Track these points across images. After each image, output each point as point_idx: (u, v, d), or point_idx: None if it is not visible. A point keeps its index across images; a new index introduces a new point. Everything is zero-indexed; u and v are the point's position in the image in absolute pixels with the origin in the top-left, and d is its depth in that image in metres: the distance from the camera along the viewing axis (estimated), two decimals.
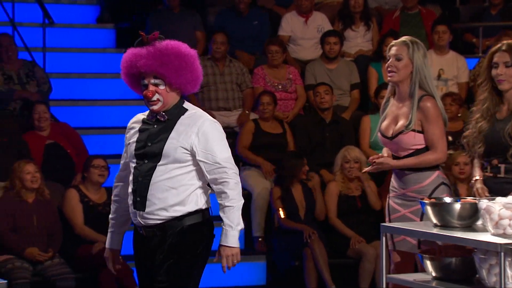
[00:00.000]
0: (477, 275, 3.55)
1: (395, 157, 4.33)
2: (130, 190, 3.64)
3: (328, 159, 6.87)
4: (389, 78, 4.35)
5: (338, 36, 7.53)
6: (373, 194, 6.48)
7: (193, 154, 3.60)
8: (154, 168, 3.58)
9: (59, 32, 7.89)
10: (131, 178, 3.64)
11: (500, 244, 3.33)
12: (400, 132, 4.27)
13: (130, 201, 3.64)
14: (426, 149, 4.27)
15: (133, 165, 3.64)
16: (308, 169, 6.46)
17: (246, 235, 6.77)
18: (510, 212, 3.45)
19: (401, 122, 4.30)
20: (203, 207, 3.63)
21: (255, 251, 6.62)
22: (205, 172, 3.61)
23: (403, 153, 4.28)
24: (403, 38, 4.36)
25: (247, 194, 6.80)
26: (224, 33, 7.37)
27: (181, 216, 3.59)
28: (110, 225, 3.79)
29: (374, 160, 4.33)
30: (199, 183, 3.62)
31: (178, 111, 3.65)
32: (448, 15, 8.51)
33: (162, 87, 3.60)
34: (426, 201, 3.73)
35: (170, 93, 3.62)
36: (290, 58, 7.73)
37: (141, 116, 3.73)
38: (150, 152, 3.61)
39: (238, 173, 3.66)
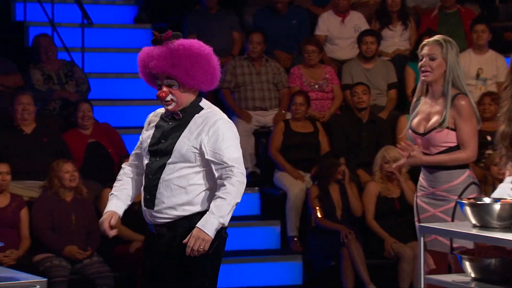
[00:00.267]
0: None
1: (425, 154, 4.31)
2: (142, 187, 3.64)
3: (364, 159, 6.85)
4: (423, 77, 4.34)
5: (375, 36, 7.50)
6: (412, 193, 6.44)
7: (202, 154, 3.56)
8: (164, 166, 3.56)
9: (98, 32, 7.96)
10: (144, 175, 3.64)
11: None
12: (433, 129, 4.26)
13: (141, 198, 3.63)
14: (458, 147, 4.25)
15: (146, 161, 3.62)
16: (344, 169, 6.45)
17: (282, 235, 6.77)
18: None
19: (434, 119, 4.29)
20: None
21: (291, 250, 6.63)
22: (214, 171, 3.58)
23: (434, 150, 4.27)
24: (436, 37, 4.34)
25: (282, 194, 6.81)
26: (260, 33, 7.38)
27: (190, 215, 3.55)
28: (112, 191, 3.70)
29: (406, 150, 4.29)
30: (209, 184, 3.58)
31: (193, 110, 3.61)
32: (487, 13, 8.43)
33: (175, 88, 3.56)
34: (464, 201, 3.70)
35: (184, 93, 3.58)
36: (326, 58, 7.71)
37: (160, 111, 3.71)
38: (162, 150, 3.58)
39: (245, 174, 3.60)
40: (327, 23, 7.85)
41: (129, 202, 3.70)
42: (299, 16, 7.88)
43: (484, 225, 3.61)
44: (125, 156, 6.16)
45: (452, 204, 4.25)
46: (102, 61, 7.85)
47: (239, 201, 3.59)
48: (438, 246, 4.26)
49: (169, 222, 3.56)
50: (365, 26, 7.80)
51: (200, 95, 3.68)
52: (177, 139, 3.56)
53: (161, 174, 3.54)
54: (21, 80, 6.99)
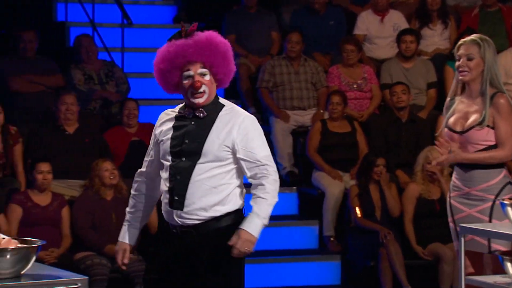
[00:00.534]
0: None
1: None
2: (165, 188, 3.52)
3: (404, 159, 6.80)
4: (460, 77, 4.32)
5: (414, 35, 7.45)
6: None
7: (234, 152, 3.51)
8: (193, 166, 3.47)
9: (137, 32, 8.01)
10: (165, 176, 3.52)
11: None
12: (473, 127, 4.23)
13: (165, 200, 3.53)
14: (496, 146, 4.22)
15: (168, 163, 3.52)
16: (380, 170, 6.40)
17: (320, 234, 6.76)
18: None
19: (473, 118, 4.26)
20: (241, 207, 3.58)
21: (329, 250, 6.61)
22: (245, 169, 3.51)
23: (472, 149, 4.24)
24: (472, 37, 4.31)
25: (320, 194, 6.80)
26: (299, 33, 7.37)
27: (220, 216, 3.51)
28: (127, 218, 3.65)
29: (444, 146, 4.24)
30: (238, 182, 3.55)
31: (215, 107, 3.54)
32: None
33: (207, 78, 3.51)
34: (506, 202, 3.66)
35: (213, 84, 3.54)
36: (365, 57, 7.68)
37: (170, 112, 3.60)
38: (188, 150, 3.49)
39: (277, 171, 3.59)
40: (366, 22, 7.81)
41: (143, 224, 3.68)
42: (337, 16, 7.86)
43: None
44: None
45: (489, 204, 4.21)
46: (141, 61, 7.90)
47: (277, 200, 3.58)
48: (475, 247, 4.22)
49: (198, 223, 3.50)
50: (404, 25, 7.75)
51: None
52: (205, 139, 3.48)
53: (191, 175, 3.47)
54: (62, 80, 7.07)
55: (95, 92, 7.08)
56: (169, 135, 3.54)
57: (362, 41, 7.72)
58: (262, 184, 3.52)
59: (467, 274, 4.16)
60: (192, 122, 3.53)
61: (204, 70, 3.50)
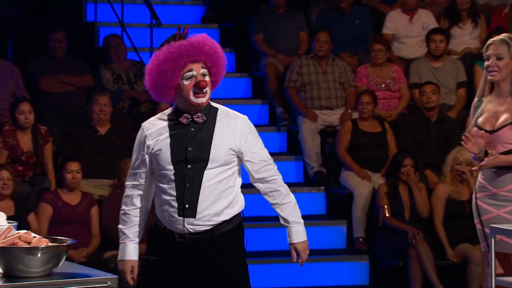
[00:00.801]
0: None
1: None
2: (169, 197, 3.43)
3: (433, 159, 6.76)
4: (489, 77, 4.28)
5: (444, 34, 7.40)
6: None
7: (239, 155, 3.49)
8: (202, 173, 3.41)
9: (166, 32, 8.02)
10: (169, 185, 3.43)
11: None
12: (504, 126, 4.19)
13: (170, 209, 3.44)
14: None
15: (170, 172, 3.43)
16: (407, 170, 6.37)
17: (348, 234, 6.74)
18: None
19: (504, 117, 4.22)
20: (243, 207, 3.57)
21: (358, 250, 6.59)
22: (252, 172, 3.50)
23: (502, 148, 4.20)
24: (502, 36, 4.28)
25: (348, 194, 6.78)
26: (327, 32, 7.36)
27: (229, 219, 3.49)
28: (125, 235, 3.55)
29: (470, 141, 4.20)
30: (239, 183, 3.54)
31: (211, 111, 3.48)
32: None
33: (207, 78, 3.44)
34: None
35: (211, 85, 3.48)
36: (393, 57, 7.64)
37: (157, 121, 3.50)
38: (194, 157, 3.42)
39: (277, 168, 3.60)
40: (395, 22, 7.78)
41: (141, 237, 3.59)
42: (362, 16, 7.83)
43: None
44: None
45: None
46: None
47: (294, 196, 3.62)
48: (504, 248, 4.18)
49: (209, 229, 3.45)
50: (434, 24, 7.70)
51: None
52: (211, 144, 3.43)
53: (201, 182, 3.42)
54: (92, 80, 7.12)
55: (124, 92, 7.12)
56: (167, 144, 3.45)
57: (390, 40, 7.69)
58: (277, 190, 3.54)
59: (496, 275, 4.13)
60: (192, 129, 3.46)
61: (205, 70, 3.45)
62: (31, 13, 7.93)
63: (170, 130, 3.48)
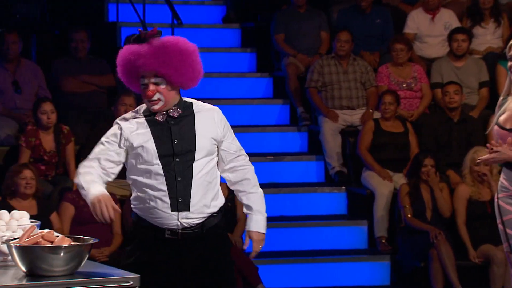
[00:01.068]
0: None
1: None
2: (161, 192, 3.42)
3: (455, 159, 6.73)
4: None
5: (466, 33, 7.36)
6: None
7: (219, 145, 3.52)
8: (191, 165, 3.43)
9: (187, 32, 8.05)
10: (157, 180, 3.42)
11: None
12: None
13: (162, 205, 3.43)
14: None
15: (159, 166, 3.42)
16: (428, 170, 6.34)
17: (369, 234, 6.73)
18: None
19: None
20: (224, 201, 3.59)
21: (379, 251, 6.57)
22: (224, 161, 3.52)
23: None
24: None
25: (369, 194, 6.76)
26: (348, 32, 7.34)
27: (216, 212, 3.51)
28: (86, 183, 3.39)
29: (492, 147, 4.19)
30: (219, 174, 3.56)
31: (186, 105, 3.50)
32: None
33: (163, 86, 3.41)
34: None
35: (171, 91, 3.44)
36: (415, 56, 7.61)
37: (133, 118, 3.48)
38: (181, 150, 3.43)
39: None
40: (417, 21, 7.75)
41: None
42: (383, 15, 7.81)
43: None
44: None
45: None
46: None
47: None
48: None
49: (200, 222, 3.46)
50: (456, 23, 7.66)
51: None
52: (195, 135, 3.45)
53: (192, 174, 3.43)
54: (114, 80, 7.14)
55: None
56: (151, 139, 3.44)
57: (412, 40, 7.66)
58: (247, 179, 3.56)
59: None
60: (172, 122, 3.47)
61: (158, 79, 3.41)
62: (54, 14, 7.97)
63: (149, 126, 3.47)
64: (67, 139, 6.40)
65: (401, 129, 6.90)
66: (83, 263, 3.12)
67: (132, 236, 3.57)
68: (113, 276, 3.13)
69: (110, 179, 3.50)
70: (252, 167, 3.60)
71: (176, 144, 3.45)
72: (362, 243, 6.75)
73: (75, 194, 6.04)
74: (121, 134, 3.48)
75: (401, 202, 6.40)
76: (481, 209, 6.34)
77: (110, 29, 8.00)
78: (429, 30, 7.74)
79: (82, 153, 6.45)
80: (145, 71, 3.42)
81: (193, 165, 3.45)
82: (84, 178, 3.44)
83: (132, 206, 3.56)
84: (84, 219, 5.94)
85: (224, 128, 3.53)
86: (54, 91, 6.97)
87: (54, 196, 6.18)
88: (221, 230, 3.56)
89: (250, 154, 8.04)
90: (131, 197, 3.58)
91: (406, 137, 6.88)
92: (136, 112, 3.54)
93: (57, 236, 3.14)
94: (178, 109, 3.47)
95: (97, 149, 3.51)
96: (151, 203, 3.46)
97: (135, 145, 3.46)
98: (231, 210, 6.10)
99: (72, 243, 3.12)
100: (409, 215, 6.34)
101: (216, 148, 3.52)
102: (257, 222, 3.56)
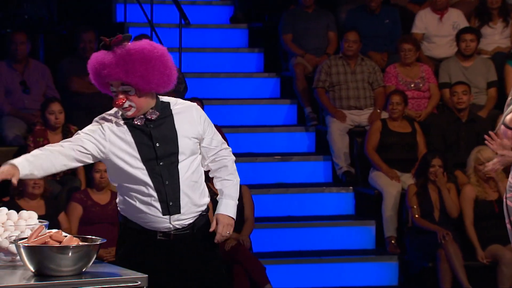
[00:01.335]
0: None
1: None
2: (151, 198, 3.41)
3: (463, 159, 6.71)
4: None
5: (475, 33, 7.35)
6: None
7: (200, 142, 3.50)
8: (176, 167, 3.42)
9: (195, 33, 8.07)
10: (147, 187, 3.40)
11: None
12: None
13: (153, 209, 3.42)
14: None
15: (143, 171, 3.40)
16: (435, 170, 6.32)
17: (377, 235, 6.72)
18: None
19: None
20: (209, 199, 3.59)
21: (387, 251, 6.56)
22: (205, 156, 3.52)
23: None
24: None
25: (377, 194, 6.75)
26: (356, 32, 7.33)
27: (204, 210, 3.52)
28: (31, 153, 3.32)
29: (494, 142, 4.16)
30: (203, 171, 3.56)
31: (163, 106, 3.46)
32: None
33: (132, 94, 3.38)
34: None
35: (142, 97, 3.39)
36: (423, 56, 7.60)
37: (114, 119, 3.44)
38: (165, 152, 3.42)
39: (231, 152, 3.60)
40: (425, 21, 7.73)
41: (35, 174, 3.33)
42: (391, 15, 7.80)
43: None
44: None
45: None
46: (198, 61, 7.95)
47: (239, 180, 3.61)
48: None
49: (191, 222, 3.47)
50: (464, 23, 7.65)
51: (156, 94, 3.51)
52: (176, 136, 3.43)
53: (178, 176, 3.43)
54: None
55: None
56: (132, 144, 3.42)
57: (420, 40, 7.65)
58: (225, 166, 3.55)
59: None
60: (151, 125, 3.44)
61: (125, 87, 3.38)
62: (62, 14, 7.98)
63: (129, 129, 3.44)
64: None
65: (409, 129, 6.89)
66: (91, 263, 3.13)
67: (122, 239, 3.57)
68: (121, 276, 3.13)
69: (74, 164, 3.41)
70: (232, 157, 3.58)
71: (158, 147, 3.43)
72: (370, 243, 6.74)
73: (83, 194, 6.05)
74: (102, 133, 3.44)
75: (408, 202, 6.39)
76: (488, 209, 6.32)
77: (118, 30, 7.99)
78: (437, 30, 7.72)
79: None
80: (111, 81, 3.40)
81: (179, 166, 3.44)
82: (34, 152, 3.38)
83: (119, 208, 3.56)
84: (92, 219, 5.95)
85: (204, 124, 3.51)
86: (62, 91, 6.98)
87: (62, 196, 6.19)
88: (209, 228, 3.56)
89: (257, 154, 8.00)
90: (117, 200, 3.57)
91: (414, 137, 6.87)
92: (115, 115, 3.49)
93: (65, 236, 3.15)
94: (155, 111, 3.44)
95: (73, 137, 3.47)
96: (141, 208, 3.45)
97: (116, 150, 3.43)
98: (239, 209, 6.09)
99: (80, 243, 3.12)
100: (416, 216, 6.33)
101: (199, 146, 3.51)
102: (226, 206, 3.54)
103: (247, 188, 6.12)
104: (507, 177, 6.28)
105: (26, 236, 3.22)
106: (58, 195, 6.20)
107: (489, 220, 6.31)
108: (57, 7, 7.96)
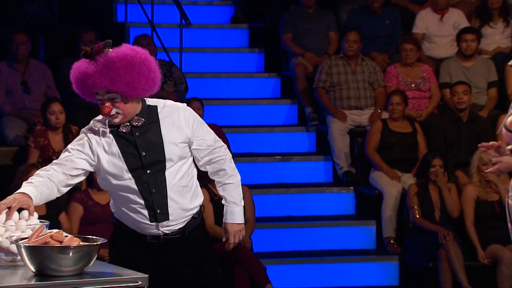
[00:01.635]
0: None
1: None
2: (139, 205, 3.41)
3: (463, 159, 6.71)
4: None
5: (475, 33, 7.35)
6: None
7: (189, 145, 3.45)
8: (163, 174, 3.39)
9: (195, 33, 8.07)
10: (135, 194, 3.40)
11: None
12: None
13: (142, 216, 3.42)
14: None
15: (131, 180, 3.39)
16: (436, 170, 6.33)
17: (378, 235, 6.72)
18: None
19: None
20: (202, 199, 3.57)
21: (387, 251, 6.56)
22: (199, 157, 3.48)
23: None
24: None
25: (378, 194, 6.75)
26: (357, 32, 7.34)
27: (197, 211, 3.49)
28: (32, 179, 3.34)
29: (491, 148, 4.16)
30: (195, 172, 3.52)
31: (150, 110, 3.42)
32: None
33: (118, 100, 3.35)
34: None
35: (128, 103, 3.37)
36: (424, 56, 7.60)
37: (100, 128, 3.43)
38: (151, 161, 3.39)
39: (227, 148, 3.56)
40: (425, 21, 7.74)
41: (39, 203, 3.38)
42: (392, 16, 7.80)
43: None
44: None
45: None
46: (199, 61, 7.96)
47: (240, 176, 3.58)
48: None
49: (182, 226, 3.45)
50: (465, 23, 7.65)
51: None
52: (162, 143, 3.39)
53: (165, 183, 3.40)
54: None
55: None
56: (118, 153, 3.40)
57: (421, 40, 7.65)
58: (223, 169, 3.52)
59: None
60: (137, 133, 3.41)
61: (111, 94, 3.35)
62: (62, 14, 7.99)
63: (115, 139, 3.42)
64: None
65: (409, 129, 6.89)
66: (91, 263, 3.13)
67: (115, 240, 3.57)
68: (122, 276, 3.13)
69: (72, 182, 3.45)
70: (229, 156, 3.53)
71: (144, 156, 3.40)
72: (370, 243, 6.74)
73: (84, 194, 6.05)
74: (90, 146, 3.43)
75: (409, 202, 6.39)
76: (489, 209, 6.32)
77: (118, 30, 8.01)
78: (438, 30, 7.72)
79: None
80: (97, 90, 3.37)
81: (166, 173, 3.41)
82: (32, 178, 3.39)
83: (112, 210, 3.57)
84: (93, 219, 5.95)
85: (192, 126, 3.45)
86: (62, 91, 6.98)
87: (62, 196, 6.15)
88: (203, 230, 3.56)
89: (258, 154, 8.01)
90: (110, 202, 3.57)
91: (415, 137, 6.87)
92: (101, 122, 3.47)
93: (66, 236, 3.15)
94: (141, 118, 3.41)
95: (63, 155, 3.45)
96: (130, 214, 3.46)
97: (104, 162, 3.42)
98: None
99: (81, 243, 3.12)
100: (417, 216, 6.33)
101: (189, 149, 3.47)
102: (231, 214, 3.54)
103: (248, 188, 6.12)
104: (510, 178, 6.29)
105: (27, 236, 3.22)
106: None
107: (489, 220, 6.31)
108: (57, 7, 7.96)
